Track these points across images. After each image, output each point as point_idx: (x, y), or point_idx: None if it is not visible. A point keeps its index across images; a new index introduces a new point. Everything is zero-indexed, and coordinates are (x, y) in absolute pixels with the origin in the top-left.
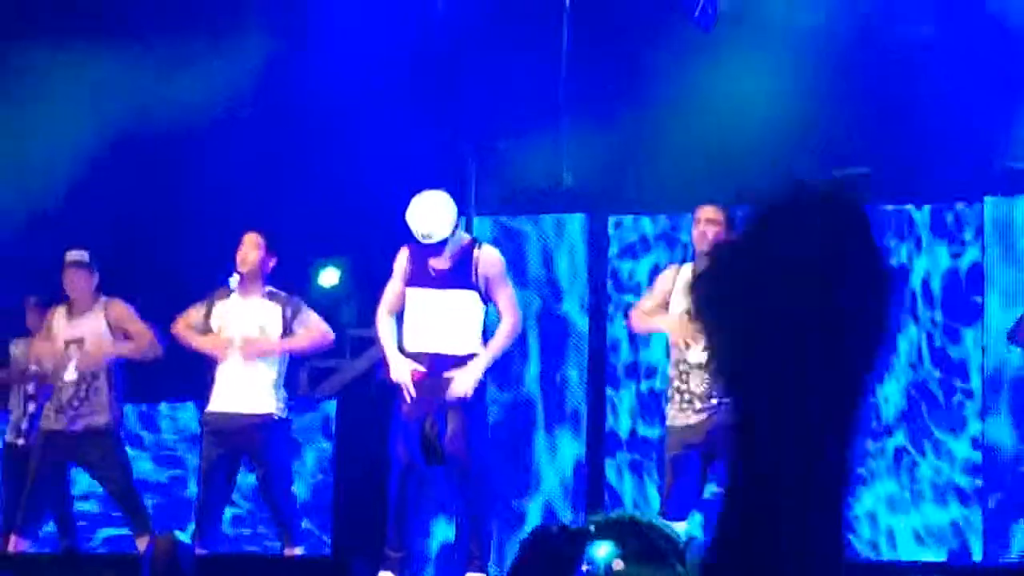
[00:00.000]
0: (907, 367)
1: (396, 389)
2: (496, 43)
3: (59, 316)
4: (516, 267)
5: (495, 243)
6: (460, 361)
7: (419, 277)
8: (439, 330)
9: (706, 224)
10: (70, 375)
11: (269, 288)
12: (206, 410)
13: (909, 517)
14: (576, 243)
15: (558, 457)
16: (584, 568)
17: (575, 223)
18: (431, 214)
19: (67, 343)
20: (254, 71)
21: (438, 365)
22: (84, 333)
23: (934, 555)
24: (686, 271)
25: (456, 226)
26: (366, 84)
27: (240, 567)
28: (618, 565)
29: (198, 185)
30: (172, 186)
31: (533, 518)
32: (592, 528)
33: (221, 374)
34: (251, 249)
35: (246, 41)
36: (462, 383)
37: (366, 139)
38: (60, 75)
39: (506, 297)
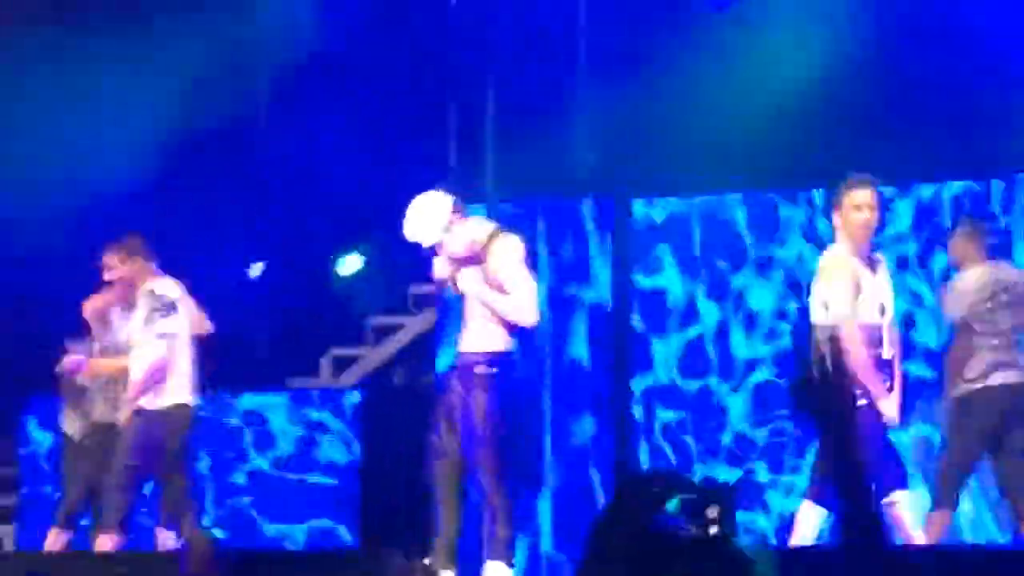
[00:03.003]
0: None
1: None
2: (513, 24)
3: (115, 315)
4: (535, 253)
5: (509, 225)
6: (485, 358)
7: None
8: (466, 328)
9: (856, 211)
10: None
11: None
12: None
13: None
14: (599, 226)
15: (575, 446)
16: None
17: (597, 206)
18: (414, 221)
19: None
20: (266, 60)
21: (466, 363)
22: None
23: None
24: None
25: (451, 226)
26: (381, 65)
27: (266, 563)
28: (712, 512)
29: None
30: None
31: (546, 510)
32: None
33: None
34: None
35: (254, 30)
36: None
37: (387, 124)
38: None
39: (520, 287)
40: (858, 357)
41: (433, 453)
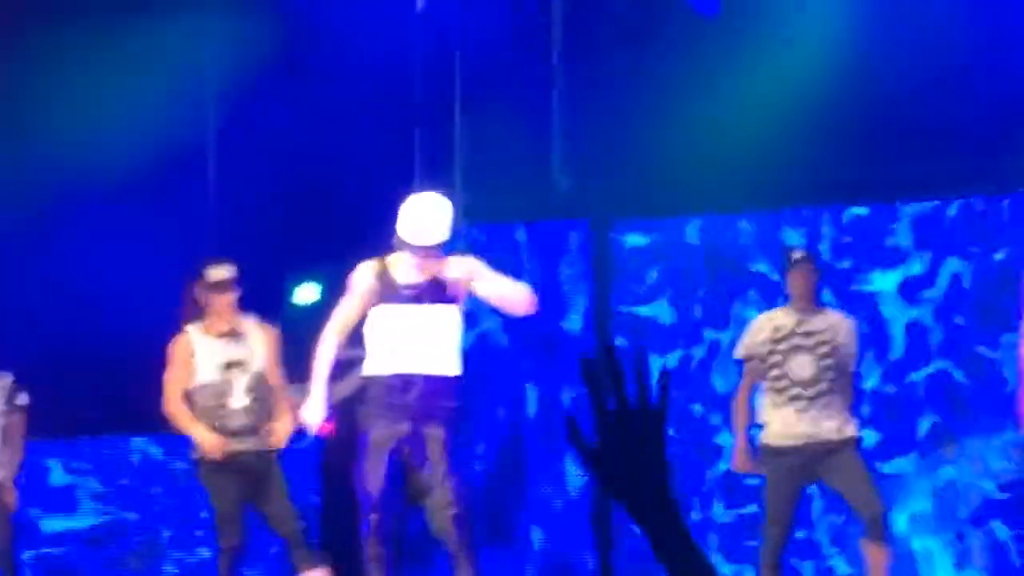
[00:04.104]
0: None
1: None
2: (485, 32)
3: (199, 339)
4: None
5: (482, 252)
6: (442, 382)
7: (390, 294)
8: (420, 349)
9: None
10: (239, 401)
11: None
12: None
13: None
14: (576, 252)
15: (561, 486)
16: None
17: (574, 229)
18: (427, 216)
19: (228, 365)
20: (221, 73)
21: (420, 386)
22: (246, 356)
23: None
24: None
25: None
26: (346, 83)
27: None
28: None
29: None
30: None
31: (534, 553)
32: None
33: None
34: None
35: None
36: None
37: (342, 143)
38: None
39: (500, 277)
40: None
41: (375, 508)
